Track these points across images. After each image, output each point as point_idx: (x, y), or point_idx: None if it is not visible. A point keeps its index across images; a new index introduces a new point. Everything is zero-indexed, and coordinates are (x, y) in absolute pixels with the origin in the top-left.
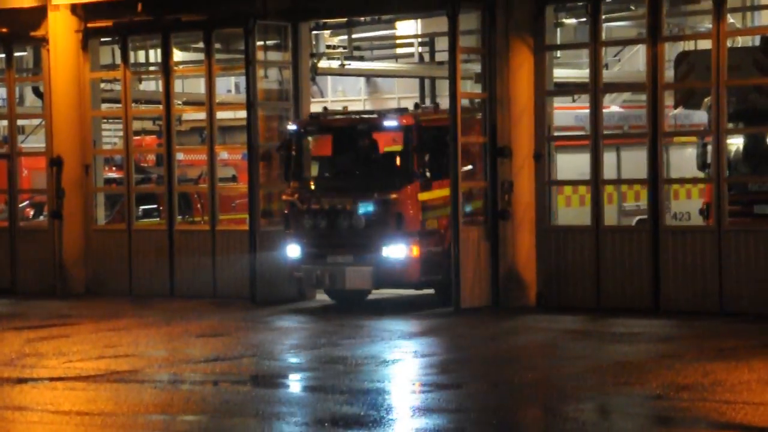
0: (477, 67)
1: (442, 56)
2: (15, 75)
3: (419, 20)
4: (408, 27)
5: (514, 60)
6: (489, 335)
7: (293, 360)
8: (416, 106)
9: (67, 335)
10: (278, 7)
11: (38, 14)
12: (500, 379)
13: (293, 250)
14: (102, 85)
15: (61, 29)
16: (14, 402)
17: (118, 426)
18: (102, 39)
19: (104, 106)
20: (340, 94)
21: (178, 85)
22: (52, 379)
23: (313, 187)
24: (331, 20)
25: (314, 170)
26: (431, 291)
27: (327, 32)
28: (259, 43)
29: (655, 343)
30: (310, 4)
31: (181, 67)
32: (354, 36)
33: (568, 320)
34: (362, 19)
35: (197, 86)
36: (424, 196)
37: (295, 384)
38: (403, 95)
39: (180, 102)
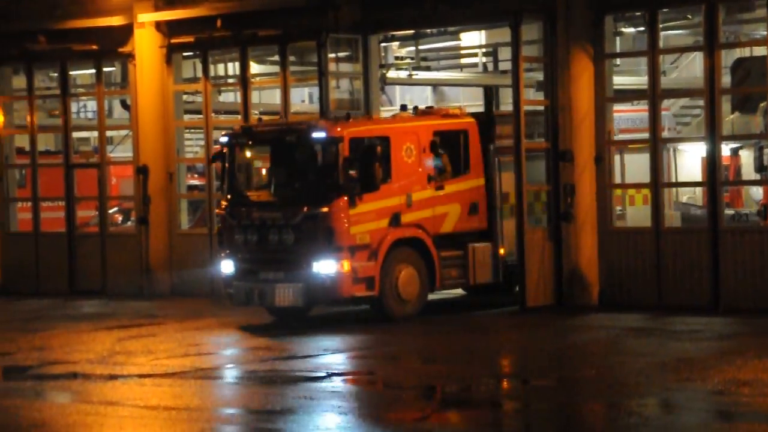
0: (539, 76)
1: (505, 65)
2: (104, 89)
3: (483, 31)
4: (472, 38)
5: (575, 68)
6: (553, 332)
7: (366, 358)
8: (347, 116)
9: (154, 334)
10: (349, 21)
11: (125, 32)
12: (565, 375)
13: (226, 266)
14: (184, 97)
15: (146, 45)
16: (106, 397)
17: (203, 420)
18: (184, 54)
19: (186, 117)
20: (408, 102)
21: (255, 96)
22: (140, 376)
23: (243, 201)
24: (399, 32)
25: (247, 183)
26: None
27: (395, 44)
28: (331, 55)
29: (716, 340)
30: (379, 18)
31: (257, 79)
32: (421, 47)
33: (630, 318)
34: (429, 31)
35: (273, 97)
36: (355, 209)
37: (370, 380)
38: (468, 103)
39: (257, 112)
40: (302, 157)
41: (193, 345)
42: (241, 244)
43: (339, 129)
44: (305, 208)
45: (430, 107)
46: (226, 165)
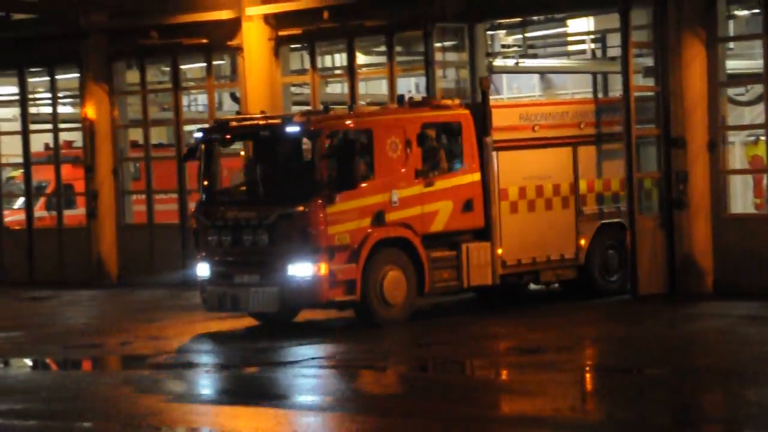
0: (648, 62)
1: (614, 52)
2: (214, 82)
3: (591, 18)
4: (580, 24)
5: (687, 53)
6: (667, 321)
7: (454, 345)
8: (326, 108)
9: (266, 325)
10: (455, 9)
11: (234, 25)
12: (679, 364)
13: (202, 269)
14: (292, 89)
15: (254, 38)
16: (220, 387)
17: (316, 410)
18: (292, 46)
19: (295, 109)
20: (515, 91)
21: (362, 87)
22: (253, 366)
23: (217, 199)
24: (505, 20)
25: (222, 180)
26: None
27: (502, 32)
28: (438, 44)
29: None
30: (485, 6)
31: (364, 69)
32: (528, 35)
33: (746, 306)
34: (535, 18)
35: (380, 87)
36: (333, 208)
37: (489, 371)
38: (576, 90)
39: (365, 103)
40: (278, 153)
41: (304, 336)
42: (216, 245)
43: (315, 123)
44: (280, 207)
45: (425, 97)
46: (201, 162)
